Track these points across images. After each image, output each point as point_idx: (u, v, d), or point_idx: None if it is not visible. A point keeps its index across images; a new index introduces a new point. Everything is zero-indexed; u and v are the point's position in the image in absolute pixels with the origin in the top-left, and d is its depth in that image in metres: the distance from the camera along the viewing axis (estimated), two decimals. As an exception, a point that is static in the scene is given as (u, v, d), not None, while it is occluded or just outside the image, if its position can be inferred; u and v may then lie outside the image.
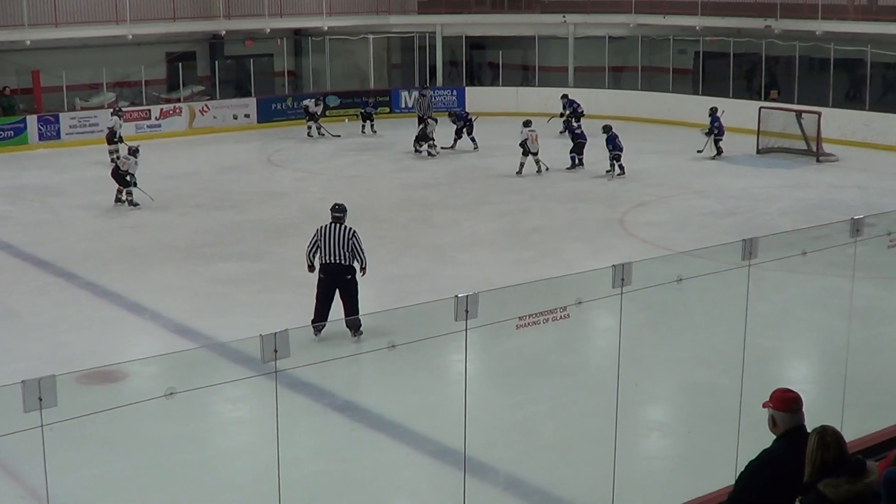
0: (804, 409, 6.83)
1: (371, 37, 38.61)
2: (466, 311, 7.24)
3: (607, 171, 26.19)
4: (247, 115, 35.57)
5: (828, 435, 6.26)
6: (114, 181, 23.10)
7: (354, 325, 13.73)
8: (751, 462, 6.83)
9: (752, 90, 35.22)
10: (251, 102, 35.71)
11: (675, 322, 14.97)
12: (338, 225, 14.36)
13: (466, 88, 38.33)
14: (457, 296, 7.23)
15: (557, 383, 13.05)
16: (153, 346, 14.30)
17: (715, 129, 28.80)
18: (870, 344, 13.25)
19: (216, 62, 36.35)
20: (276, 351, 6.78)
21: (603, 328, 12.65)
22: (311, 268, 14.43)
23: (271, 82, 38.24)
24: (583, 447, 10.97)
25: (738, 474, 6.99)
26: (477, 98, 37.62)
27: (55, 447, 5.95)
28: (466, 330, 7.27)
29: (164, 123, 34.10)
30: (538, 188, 24.97)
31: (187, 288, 17.51)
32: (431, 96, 34.30)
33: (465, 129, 30.71)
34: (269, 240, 20.13)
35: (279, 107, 35.93)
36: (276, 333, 6.81)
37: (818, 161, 28.34)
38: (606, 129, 26.46)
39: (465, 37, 39.17)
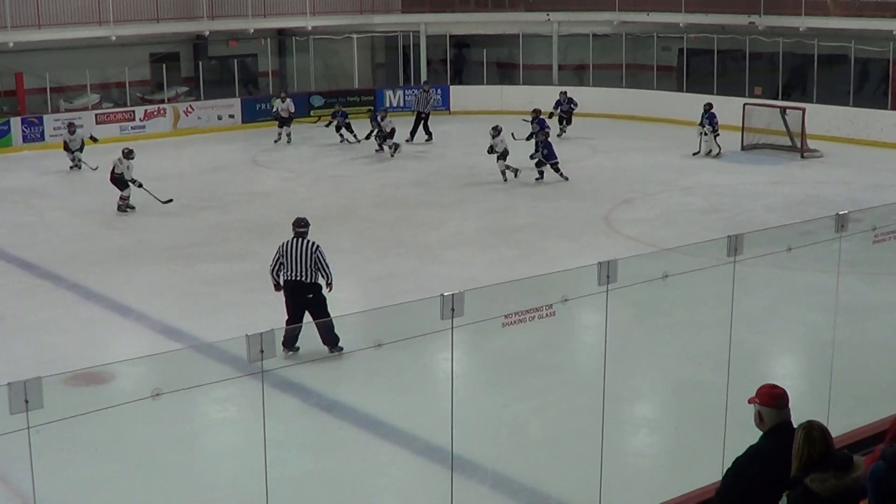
0: (790, 404, 6.85)
1: (355, 36, 38.55)
2: (452, 310, 7.23)
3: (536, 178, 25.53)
4: (231, 116, 35.50)
5: (814, 430, 6.28)
6: (114, 187, 22.98)
7: (332, 342, 13.15)
8: (738, 458, 6.85)
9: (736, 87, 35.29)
10: (235, 103, 35.63)
11: (661, 319, 14.98)
12: (300, 240, 13.87)
13: (451, 87, 38.30)
14: (443, 294, 7.23)
15: (544, 381, 13.06)
16: (139, 347, 14.27)
17: (710, 127, 28.66)
18: (855, 339, 13.28)
19: (200, 63, 36.24)
20: (262, 351, 6.77)
21: (589, 325, 12.63)
22: (276, 286, 13.93)
23: (256, 82, 38.16)
24: (570, 445, 10.99)
25: (724, 470, 7.00)
26: (461, 96, 37.64)
27: (42, 449, 5.93)
28: (452, 328, 7.27)
29: (149, 124, 33.99)
30: (523, 186, 24.97)
31: (173, 288, 17.49)
32: (434, 92, 34.56)
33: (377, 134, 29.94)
34: (254, 240, 20.09)
35: (264, 107, 35.84)
36: (262, 333, 6.81)
37: (803, 157, 28.41)
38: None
39: (450, 35, 39.14)
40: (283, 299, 13.79)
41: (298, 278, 13.59)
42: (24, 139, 31.75)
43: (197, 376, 7.64)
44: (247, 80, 37.54)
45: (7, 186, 26.23)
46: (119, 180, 22.75)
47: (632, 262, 8.80)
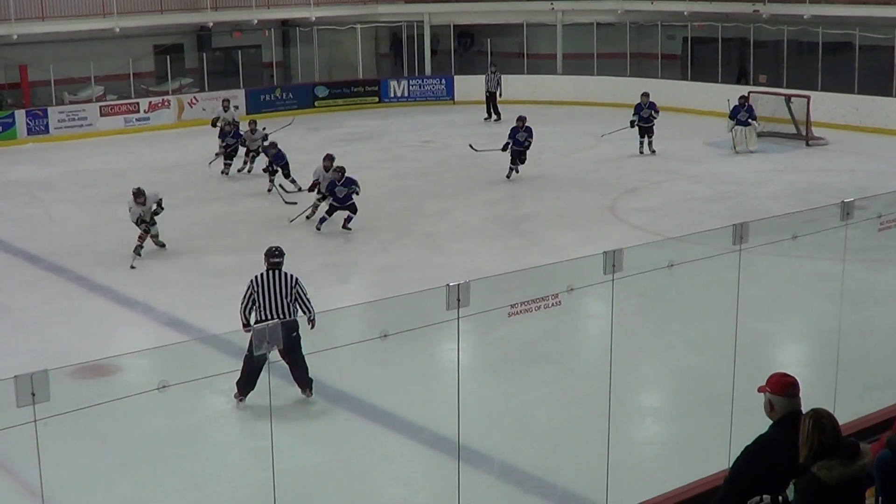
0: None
1: (359, 27, 38.53)
2: (458, 300, 7.22)
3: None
4: (236, 107, 35.41)
5: (823, 418, 6.27)
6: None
7: (307, 384, 11.97)
8: (747, 446, 6.83)
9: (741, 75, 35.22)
10: (240, 94, 35.58)
11: (667, 307, 14.98)
12: (276, 272, 12.10)
13: (455, 77, 38.27)
14: (448, 285, 7.22)
15: (550, 371, 13.06)
16: (145, 340, 14.29)
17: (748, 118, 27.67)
18: (861, 327, 13.25)
19: (204, 54, 36.25)
20: (268, 342, 6.78)
21: (595, 315, 12.67)
22: (246, 326, 11.65)
23: (260, 73, 38.13)
24: (576, 434, 11.00)
25: (731, 459, 6.99)
26: (465, 86, 37.59)
27: (49, 441, 5.94)
28: (458, 319, 7.26)
29: (153, 116, 33.99)
30: (529, 176, 24.95)
31: (179, 281, 17.50)
32: (499, 73, 34.86)
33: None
34: (260, 232, 20.07)
35: (268, 98, 35.84)
36: (267, 325, 6.82)
37: (808, 145, 28.38)
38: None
39: (453, 25, 39.11)
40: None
41: (277, 317, 11.76)
42: (29, 132, 31.72)
43: (203, 368, 7.65)
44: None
45: (12, 179, 26.25)
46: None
47: (637, 250, 8.77)
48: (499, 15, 38.79)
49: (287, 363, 11.53)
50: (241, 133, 25.75)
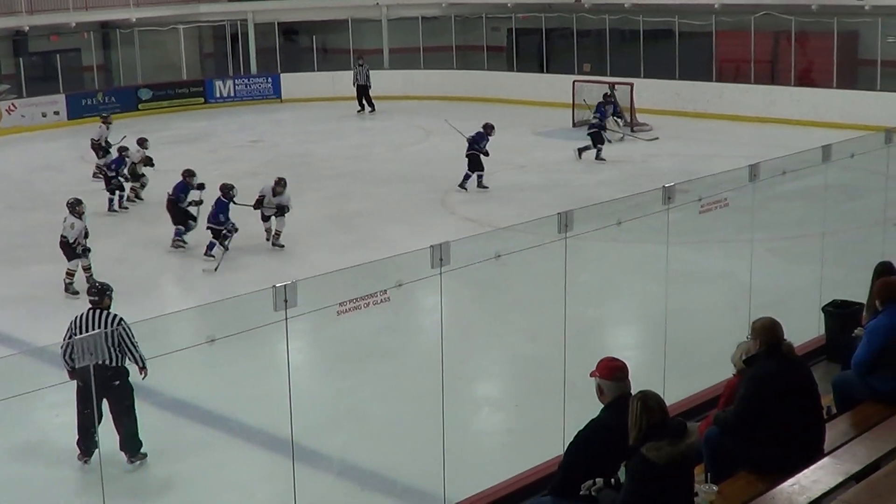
0: (629, 376, 6.95)
1: (181, 27, 37.92)
2: (286, 301, 7.16)
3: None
4: (56, 113, 34.53)
5: (650, 399, 6.39)
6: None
7: (133, 448, 10.64)
8: (580, 431, 6.93)
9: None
10: (60, 99, 34.65)
11: (499, 298, 15.12)
12: (95, 312, 10.87)
13: (282, 75, 37.97)
14: (275, 286, 7.15)
15: (385, 366, 13.07)
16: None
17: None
18: (687, 307, 13.55)
19: (21, 59, 35.21)
20: (91, 353, 6.63)
21: (427, 308, 12.66)
22: (71, 373, 9.45)
23: (80, 78, 37.18)
24: (414, 428, 10.99)
25: (566, 444, 7.07)
26: (292, 84, 37.35)
27: None
28: (286, 319, 7.20)
29: (-31, 124, 32.97)
30: (360, 171, 24.90)
31: (1, 293, 16.94)
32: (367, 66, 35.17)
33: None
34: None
35: (90, 102, 35.00)
36: (90, 335, 6.64)
37: (633, 131, 28.93)
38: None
39: (278, 23, 38.79)
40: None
41: (100, 363, 9.76)
42: None
43: (29, 382, 7.41)
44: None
45: None
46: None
47: (466, 242, 8.82)
48: (324, 11, 38.59)
49: (113, 420, 10.45)
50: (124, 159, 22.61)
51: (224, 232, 18.02)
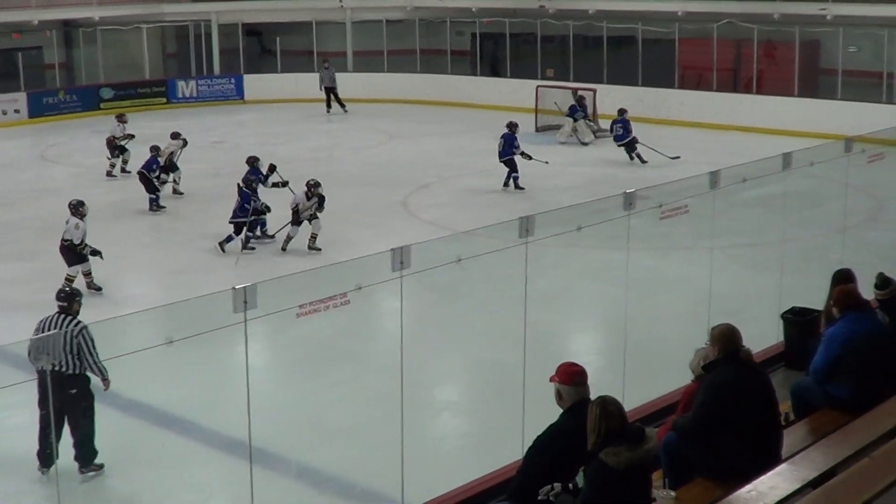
0: (589, 381, 6.96)
1: (144, 26, 37.67)
2: (245, 303, 7.13)
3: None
4: (17, 111, 34.21)
5: (609, 404, 6.40)
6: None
7: (86, 458, 10.35)
8: (539, 436, 6.93)
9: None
10: (21, 97, 34.34)
11: (459, 302, 15.11)
12: (59, 317, 10.46)
13: (245, 76, 37.83)
14: (234, 287, 7.12)
15: (344, 370, 13.03)
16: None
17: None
18: (647, 313, 13.60)
19: (-20, 57, 34.96)
20: (48, 354, 6.57)
21: (387, 312, 12.62)
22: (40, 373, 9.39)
23: (42, 76, 36.90)
24: (373, 432, 10.97)
25: (525, 449, 7.07)
26: (255, 86, 37.23)
27: None
28: (245, 321, 7.17)
29: (-72, 122, 32.62)
30: (321, 174, 24.76)
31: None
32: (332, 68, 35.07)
33: None
34: (44, 237, 19.34)
35: (51, 100, 34.72)
36: (47, 335, 6.57)
37: (595, 137, 28.99)
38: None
39: (242, 24, 38.65)
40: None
41: (57, 368, 9.80)
42: None
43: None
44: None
45: None
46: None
47: (426, 246, 8.83)
48: (288, 13, 38.50)
49: (69, 426, 10.26)
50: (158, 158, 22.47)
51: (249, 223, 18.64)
